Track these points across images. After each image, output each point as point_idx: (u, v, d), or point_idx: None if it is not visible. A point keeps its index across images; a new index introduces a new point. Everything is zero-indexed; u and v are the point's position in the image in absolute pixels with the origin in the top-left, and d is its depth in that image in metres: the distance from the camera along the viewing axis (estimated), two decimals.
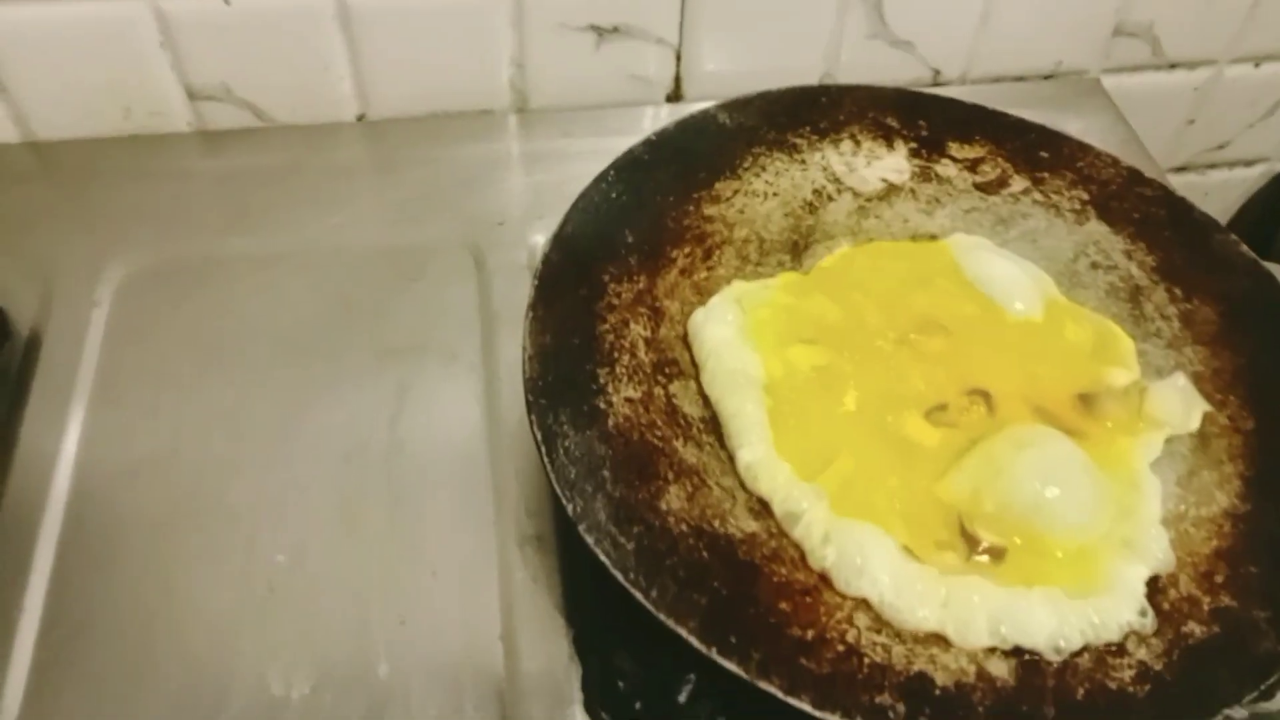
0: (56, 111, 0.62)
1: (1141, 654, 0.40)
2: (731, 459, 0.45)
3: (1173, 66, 0.75)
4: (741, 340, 0.48)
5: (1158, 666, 0.39)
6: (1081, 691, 0.39)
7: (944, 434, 0.45)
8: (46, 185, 0.61)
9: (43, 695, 0.43)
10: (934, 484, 0.44)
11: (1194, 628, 0.41)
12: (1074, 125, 0.69)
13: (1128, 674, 0.39)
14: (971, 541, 0.42)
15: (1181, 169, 0.84)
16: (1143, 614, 0.41)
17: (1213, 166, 0.84)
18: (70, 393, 0.52)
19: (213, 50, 0.60)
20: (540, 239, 0.59)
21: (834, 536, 0.42)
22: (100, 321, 0.55)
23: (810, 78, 0.69)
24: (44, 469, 0.49)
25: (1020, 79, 0.73)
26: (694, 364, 0.48)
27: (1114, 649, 0.40)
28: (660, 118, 0.68)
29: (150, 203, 0.60)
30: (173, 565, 0.46)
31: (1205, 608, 0.41)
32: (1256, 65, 0.76)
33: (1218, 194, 0.87)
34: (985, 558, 0.42)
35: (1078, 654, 0.40)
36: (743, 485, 0.44)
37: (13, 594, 0.45)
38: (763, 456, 0.44)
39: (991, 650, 0.40)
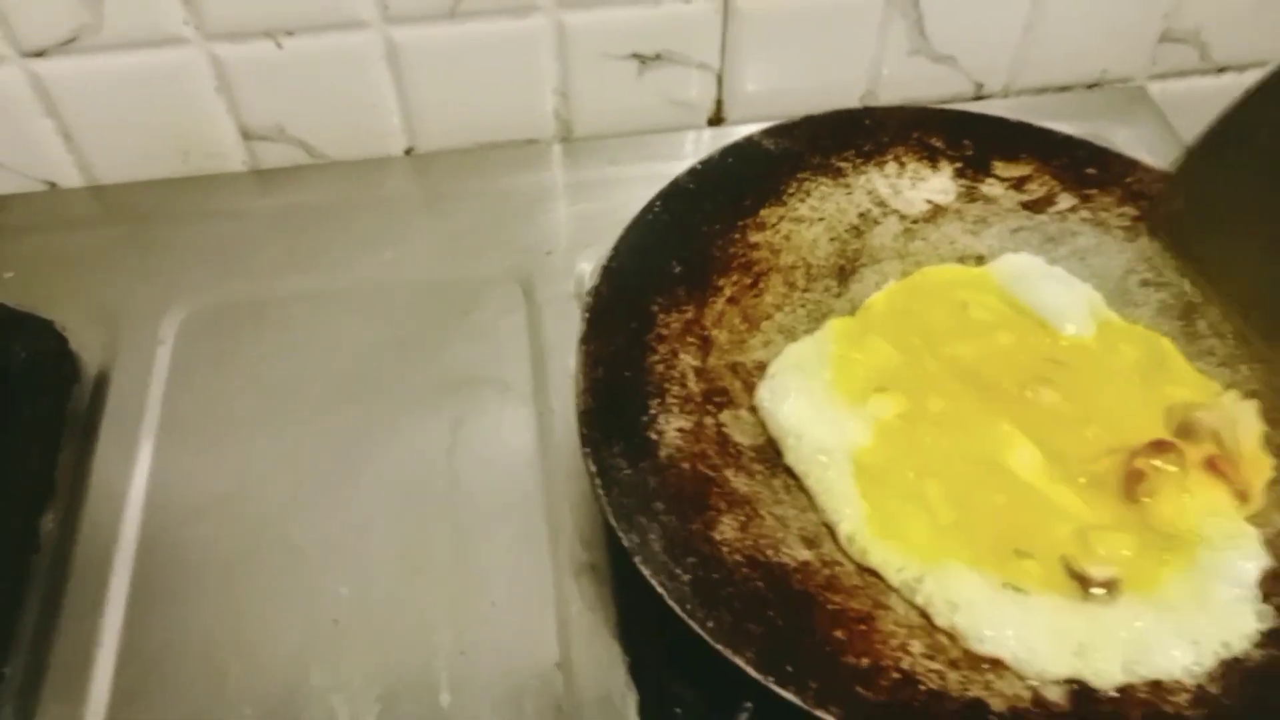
0: (118, 156, 0.64)
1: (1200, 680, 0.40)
2: (786, 488, 0.45)
3: (1221, 70, 0.74)
4: (818, 410, 0.47)
5: (1214, 690, 0.39)
6: (1137, 717, 0.39)
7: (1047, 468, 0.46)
8: (110, 228, 0.63)
9: None
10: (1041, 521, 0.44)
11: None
12: (1121, 135, 0.69)
13: (1184, 698, 0.39)
14: (1084, 580, 0.42)
15: None
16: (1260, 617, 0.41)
17: None
18: (138, 432, 0.53)
19: (266, 92, 0.62)
20: (587, 267, 0.60)
21: (960, 603, 0.42)
22: (165, 360, 0.56)
23: (852, 95, 0.70)
24: (115, 507, 0.51)
25: (1065, 89, 0.72)
26: (745, 391, 0.49)
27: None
28: (703, 141, 0.69)
29: (209, 243, 0.62)
30: (242, 601, 0.48)
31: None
32: None
33: None
34: (1102, 591, 0.42)
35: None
36: (803, 512, 0.45)
37: (90, 630, 0.47)
38: (862, 528, 0.44)
39: None
